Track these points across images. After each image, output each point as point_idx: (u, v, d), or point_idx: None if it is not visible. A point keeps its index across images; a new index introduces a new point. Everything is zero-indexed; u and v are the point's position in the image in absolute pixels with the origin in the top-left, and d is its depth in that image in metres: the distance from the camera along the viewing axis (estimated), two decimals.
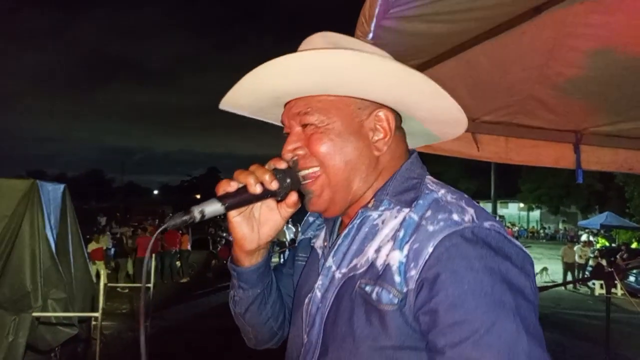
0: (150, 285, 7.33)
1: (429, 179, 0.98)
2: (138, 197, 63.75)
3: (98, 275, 8.62)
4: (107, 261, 13.50)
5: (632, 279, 14.36)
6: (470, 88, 2.65)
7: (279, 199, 0.98)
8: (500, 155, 3.09)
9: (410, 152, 1.05)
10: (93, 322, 6.01)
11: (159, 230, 0.96)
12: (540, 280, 14.99)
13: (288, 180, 0.96)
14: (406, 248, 0.86)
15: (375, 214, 0.96)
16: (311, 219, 1.21)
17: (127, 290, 11.71)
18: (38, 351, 5.06)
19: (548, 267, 16.32)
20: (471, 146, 2.99)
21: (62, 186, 6.24)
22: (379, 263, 0.89)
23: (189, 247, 15.51)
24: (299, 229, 1.24)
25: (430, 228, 0.85)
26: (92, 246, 12.15)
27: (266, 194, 0.94)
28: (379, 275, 0.88)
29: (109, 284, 9.34)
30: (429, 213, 0.89)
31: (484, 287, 0.78)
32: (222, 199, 0.91)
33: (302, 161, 0.98)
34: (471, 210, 0.88)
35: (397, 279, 0.85)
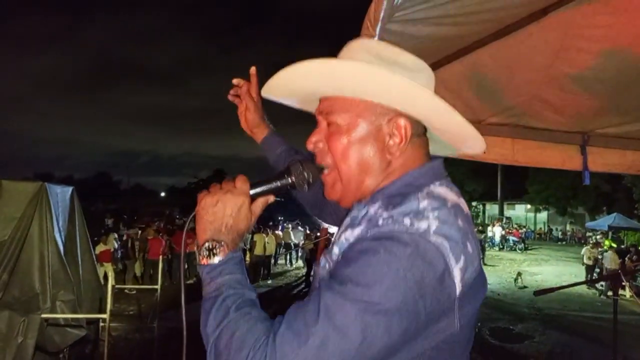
0: (158, 287, 7.36)
1: (431, 190, 0.96)
2: (145, 199, 63.82)
3: (106, 277, 8.67)
4: (115, 263, 13.55)
5: None
6: (476, 90, 2.65)
7: (301, 189, 1.08)
8: (506, 156, 3.08)
9: (430, 161, 1.07)
10: (101, 324, 6.05)
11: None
12: (514, 287, 14.93)
13: (305, 174, 1.06)
14: (356, 230, 0.96)
15: (363, 211, 1.01)
16: None
17: (134, 292, 11.75)
18: (47, 352, 5.10)
19: (522, 273, 16.30)
20: None
21: (70, 188, 6.29)
22: (333, 242, 1.03)
23: (195, 249, 15.49)
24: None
25: (380, 221, 0.91)
26: (100, 248, 12.19)
27: (286, 185, 1.07)
28: (329, 251, 1.02)
29: (117, 286, 9.39)
30: (396, 211, 0.92)
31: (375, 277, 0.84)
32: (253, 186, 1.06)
33: (319, 155, 1.07)
34: (432, 223, 0.88)
35: (336, 250, 0.99)
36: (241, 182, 1.05)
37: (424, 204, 0.92)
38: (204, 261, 1.01)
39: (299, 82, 1.06)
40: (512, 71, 2.57)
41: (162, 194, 76.83)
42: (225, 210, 1.02)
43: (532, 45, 2.35)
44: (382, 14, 1.37)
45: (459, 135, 1.05)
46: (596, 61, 2.45)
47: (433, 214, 0.90)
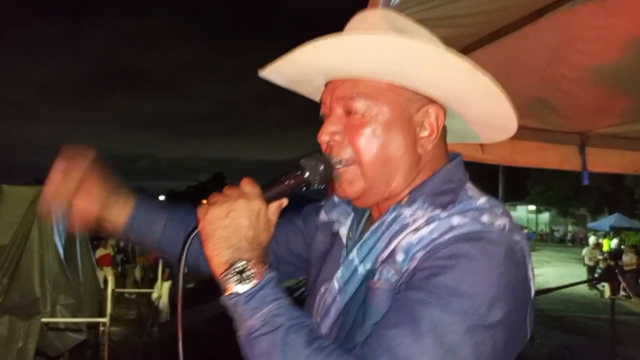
0: (155, 291, 7.35)
1: (469, 186, 0.92)
2: None
3: (106, 281, 8.67)
4: (115, 267, 13.55)
5: None
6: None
7: (316, 186, 0.93)
8: (505, 157, 3.08)
9: (454, 155, 0.98)
10: (101, 328, 6.04)
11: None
12: None
13: (321, 167, 0.91)
14: (421, 233, 0.83)
15: (408, 212, 0.88)
16: (336, 199, 1.08)
17: (134, 296, 11.75)
18: (47, 357, 5.10)
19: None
20: (476, 149, 2.99)
21: None
22: (393, 249, 0.86)
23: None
24: (323, 207, 1.11)
25: (455, 221, 0.81)
26: (100, 252, 12.19)
27: (300, 183, 0.91)
28: (387, 257, 0.85)
29: (117, 290, 9.39)
30: (459, 210, 0.84)
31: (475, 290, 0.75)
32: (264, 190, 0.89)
33: (336, 148, 0.91)
34: (505, 220, 0.82)
35: (401, 257, 0.83)
36: (247, 185, 0.87)
37: (482, 200, 0.85)
38: (234, 289, 0.80)
39: (328, 57, 0.88)
40: (509, 73, 2.57)
41: (162, 197, 76.83)
42: (241, 220, 0.83)
43: (528, 46, 2.35)
44: None
45: (495, 117, 0.95)
46: (593, 62, 2.45)
47: (499, 210, 0.83)
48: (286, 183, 0.91)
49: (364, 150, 0.89)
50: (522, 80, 2.63)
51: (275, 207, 0.90)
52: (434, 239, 0.80)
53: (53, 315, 5.15)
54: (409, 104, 0.89)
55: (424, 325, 0.72)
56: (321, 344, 0.75)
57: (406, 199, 0.90)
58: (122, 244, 15.11)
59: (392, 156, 0.89)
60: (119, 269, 14.58)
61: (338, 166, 0.91)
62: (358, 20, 0.93)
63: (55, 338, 5.21)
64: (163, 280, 9.66)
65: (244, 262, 0.80)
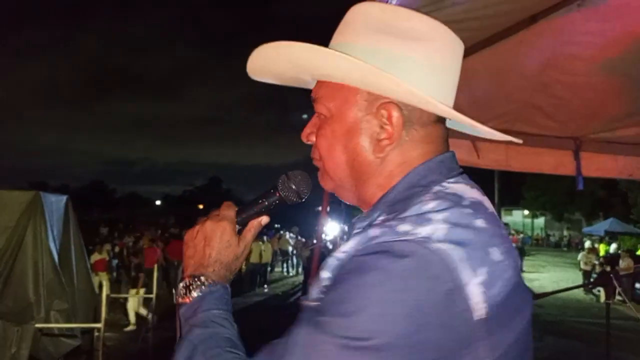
0: (153, 296, 7.32)
1: (441, 189, 0.79)
2: (140, 207, 63.63)
3: (101, 286, 8.63)
4: (110, 272, 13.49)
5: (638, 285, 14.28)
6: (469, 96, 2.67)
7: (294, 201, 0.97)
8: (500, 162, 3.10)
9: (439, 154, 0.86)
10: (95, 333, 6.01)
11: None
12: None
13: (293, 185, 0.95)
14: (346, 247, 0.75)
15: (362, 224, 0.84)
16: None
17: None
18: None
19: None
20: (471, 154, 3.00)
21: (64, 197, 6.28)
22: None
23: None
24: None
25: (372, 233, 0.72)
26: (95, 257, 12.14)
27: (274, 201, 0.97)
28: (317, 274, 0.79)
29: (112, 295, 9.34)
30: (387, 219, 0.76)
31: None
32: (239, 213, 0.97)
33: (312, 148, 0.92)
34: (435, 227, 0.69)
35: (324, 274, 0.75)
36: (224, 208, 0.96)
37: (429, 205, 0.73)
38: (180, 300, 0.89)
39: (276, 67, 0.90)
40: (503, 78, 2.59)
41: (158, 202, 76.69)
42: (204, 241, 0.92)
43: (522, 52, 2.37)
44: None
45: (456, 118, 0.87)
46: (587, 67, 2.47)
47: (440, 216, 0.71)
48: (260, 202, 0.97)
49: (323, 151, 0.88)
50: (516, 85, 2.65)
51: (253, 226, 0.97)
52: (352, 254, 0.71)
53: (47, 320, 5.12)
54: (364, 104, 0.84)
55: (295, 341, 0.67)
56: (217, 352, 0.78)
57: (370, 209, 0.85)
58: (117, 249, 15.08)
59: (350, 159, 0.85)
60: (114, 274, 14.50)
61: (316, 163, 0.93)
62: (355, 12, 0.88)
63: (49, 344, 5.18)
64: (137, 286, 9.71)
65: (195, 278, 0.89)
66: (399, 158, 0.84)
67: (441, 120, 0.87)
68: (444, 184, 0.80)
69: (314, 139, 0.90)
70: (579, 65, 2.46)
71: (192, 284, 0.88)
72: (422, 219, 0.70)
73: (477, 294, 0.66)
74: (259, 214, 0.97)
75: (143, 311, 9.54)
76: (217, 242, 0.92)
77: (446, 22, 1.89)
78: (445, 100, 0.84)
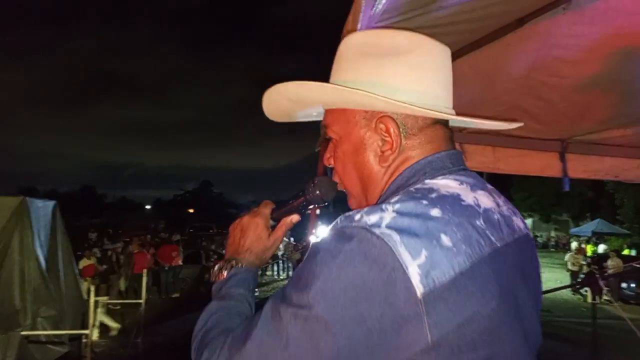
0: (142, 301, 7.25)
1: (420, 186, 0.86)
2: (131, 212, 63.00)
3: (89, 292, 8.53)
4: (98, 277, 13.35)
5: (624, 285, 14.44)
6: (457, 99, 2.68)
7: (318, 204, 1.11)
8: (488, 165, 3.12)
9: (438, 152, 0.93)
10: (84, 340, 5.94)
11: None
12: None
13: (318, 191, 1.07)
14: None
15: None
16: None
17: (118, 307, 11.57)
18: None
19: None
20: None
21: (52, 203, 6.21)
22: None
23: (180, 262, 15.38)
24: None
25: (336, 220, 0.83)
26: (84, 262, 12.00)
27: (302, 203, 1.10)
28: None
29: (101, 301, 9.23)
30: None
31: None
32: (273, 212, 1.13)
33: (333, 173, 1.04)
34: (382, 215, 0.77)
35: None
36: (262, 206, 1.14)
37: (393, 199, 0.81)
38: (213, 279, 1.09)
39: (283, 106, 1.03)
40: (491, 80, 2.61)
41: (148, 207, 76.07)
42: (240, 232, 1.11)
43: (509, 55, 2.39)
44: (359, 25, 1.38)
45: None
46: (573, 70, 2.50)
47: (393, 207, 0.78)
48: (290, 203, 1.12)
49: (340, 171, 1.01)
50: (503, 88, 2.67)
51: (284, 223, 1.12)
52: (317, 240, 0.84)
53: (34, 327, 5.06)
54: (364, 122, 0.94)
55: (265, 310, 0.81)
56: (225, 318, 0.94)
57: None
58: (110, 253, 14.93)
59: (361, 173, 0.96)
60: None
61: (340, 187, 1.05)
62: (343, 44, 1.00)
63: (36, 351, 5.11)
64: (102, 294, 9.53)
65: (227, 262, 1.08)
66: (397, 164, 0.93)
67: (440, 121, 0.95)
68: (426, 181, 0.87)
69: (332, 161, 1.02)
70: (565, 68, 2.48)
71: (224, 266, 1.07)
72: (375, 209, 0.79)
73: (415, 275, 0.72)
74: (290, 213, 1.12)
75: (108, 321, 9.32)
76: (251, 235, 1.09)
77: (434, 26, 1.92)
78: (436, 102, 0.92)
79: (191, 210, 60.26)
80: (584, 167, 3.22)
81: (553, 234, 45.92)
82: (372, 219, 0.76)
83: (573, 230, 31.93)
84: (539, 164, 3.18)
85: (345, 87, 0.90)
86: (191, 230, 36.09)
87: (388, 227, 0.75)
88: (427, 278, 0.72)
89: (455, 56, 2.34)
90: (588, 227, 27.47)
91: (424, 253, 0.73)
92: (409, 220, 0.76)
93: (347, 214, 0.81)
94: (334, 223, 0.82)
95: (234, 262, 1.07)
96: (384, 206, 0.79)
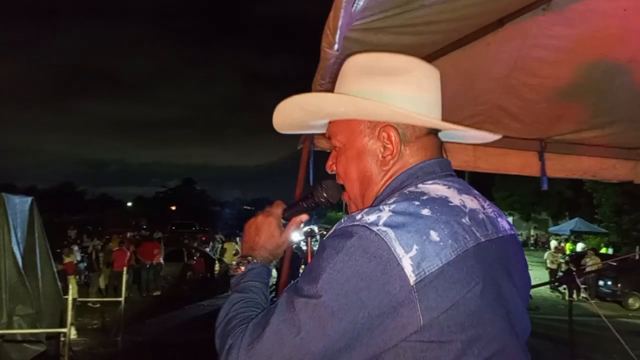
0: (122, 299, 7.17)
1: (412, 189, 0.97)
2: (112, 209, 62.16)
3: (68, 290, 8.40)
4: (78, 275, 13.15)
5: (601, 283, 14.72)
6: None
7: (325, 206, 1.22)
8: (469, 163, 3.14)
9: (431, 159, 1.05)
10: (62, 338, 5.85)
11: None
12: None
13: (325, 194, 1.18)
14: None
15: None
16: None
17: (98, 305, 11.42)
18: None
19: None
20: None
21: (29, 199, 6.09)
22: None
23: (161, 260, 15.23)
24: None
25: (341, 220, 0.95)
26: (63, 260, 11.82)
27: (311, 204, 1.22)
28: None
29: (80, 299, 9.10)
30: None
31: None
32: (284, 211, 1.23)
33: (337, 176, 1.15)
34: (380, 215, 0.88)
35: None
36: (274, 206, 1.24)
37: (390, 201, 0.93)
38: (232, 272, 1.21)
39: (293, 117, 1.15)
40: (472, 80, 2.63)
41: (130, 204, 75.10)
42: (254, 231, 1.21)
43: (490, 55, 2.41)
44: (340, 22, 1.37)
45: (445, 129, 1.09)
46: (552, 70, 2.53)
47: (388, 207, 0.90)
48: (299, 204, 1.23)
49: (342, 175, 1.12)
50: (484, 88, 2.70)
51: (294, 222, 1.23)
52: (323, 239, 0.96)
53: (10, 326, 4.95)
54: (368, 131, 1.06)
55: (281, 300, 0.91)
56: (244, 308, 1.03)
57: None
58: (90, 249, 14.71)
59: (362, 176, 1.07)
60: (83, 277, 14.15)
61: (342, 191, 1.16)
62: (347, 64, 1.12)
63: (12, 350, 5.02)
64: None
65: (244, 258, 1.19)
66: (395, 169, 1.05)
67: (433, 132, 1.08)
68: (419, 185, 0.99)
69: (335, 168, 1.13)
70: (544, 68, 2.52)
71: (241, 262, 1.18)
72: (374, 209, 0.90)
73: (408, 266, 0.83)
74: (300, 213, 1.23)
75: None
76: (264, 233, 1.20)
77: (415, 24, 1.92)
78: (430, 115, 1.06)
79: (173, 208, 59.66)
80: (562, 167, 3.27)
81: (533, 232, 46.61)
82: (371, 217, 0.88)
83: (552, 228, 32.40)
84: (519, 163, 3.22)
85: (359, 97, 1.03)
86: (173, 227, 35.77)
87: (385, 224, 0.86)
88: (418, 268, 0.83)
89: (437, 55, 2.36)
90: (567, 225, 27.89)
91: (415, 247, 0.84)
92: (402, 219, 0.87)
93: (350, 215, 0.93)
94: (338, 222, 0.94)
95: (250, 258, 1.18)
96: (381, 207, 0.91)
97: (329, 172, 1.16)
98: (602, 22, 2.19)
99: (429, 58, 2.36)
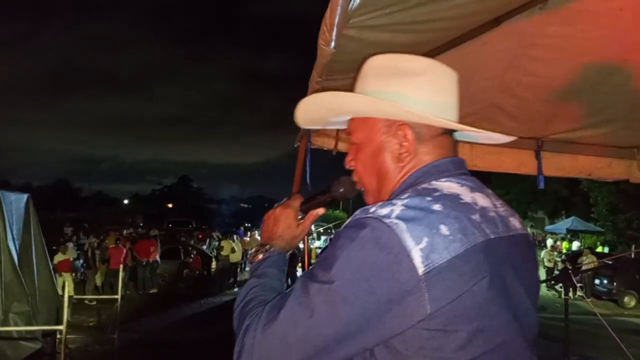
0: (118, 296, 7.16)
1: (426, 186, 1.01)
2: (107, 206, 61.92)
3: (64, 287, 8.38)
4: (75, 273, 13.13)
5: (597, 281, 14.80)
6: None
7: (342, 200, 1.28)
8: (466, 161, 3.15)
9: (444, 158, 1.10)
10: (58, 336, 5.84)
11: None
12: None
13: (342, 189, 1.25)
14: None
15: None
16: None
17: (94, 303, 11.41)
18: None
19: None
20: None
21: (25, 196, 6.07)
22: None
23: (157, 258, 15.21)
24: None
25: (356, 212, 0.99)
26: (59, 257, 11.79)
27: (327, 198, 1.28)
28: None
29: (76, 296, 9.08)
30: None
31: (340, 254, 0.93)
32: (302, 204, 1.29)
33: (354, 172, 1.20)
34: (393, 208, 0.93)
35: None
36: (293, 199, 1.30)
37: (404, 196, 0.97)
38: (250, 259, 1.27)
39: (317, 113, 1.21)
40: (468, 79, 2.62)
41: (126, 201, 74.87)
42: (273, 221, 1.27)
43: (486, 53, 2.41)
44: (336, 20, 1.38)
45: (459, 129, 1.14)
46: (548, 69, 2.54)
47: (401, 202, 0.94)
48: (317, 198, 1.29)
49: (359, 171, 1.16)
50: (480, 86, 2.70)
51: (311, 214, 1.30)
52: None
53: (5, 323, 4.95)
54: (385, 129, 1.10)
55: (297, 284, 0.96)
56: (261, 292, 1.09)
57: None
58: (86, 247, 14.67)
59: (379, 173, 1.12)
60: (79, 274, 14.13)
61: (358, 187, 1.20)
62: (368, 64, 1.17)
63: (7, 347, 5.00)
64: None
65: (262, 247, 1.24)
66: (411, 166, 1.09)
67: (448, 132, 1.13)
68: (433, 182, 1.02)
69: (353, 164, 1.18)
70: (540, 68, 2.52)
71: (260, 250, 1.24)
72: (387, 203, 0.94)
73: (417, 257, 0.87)
74: (317, 207, 1.29)
75: None
76: (282, 224, 1.25)
77: (412, 22, 1.92)
78: (444, 116, 1.10)
79: (170, 206, 59.53)
80: (558, 165, 3.29)
81: (529, 231, 46.78)
82: (384, 211, 0.92)
83: (548, 227, 32.50)
84: (515, 162, 3.23)
85: (377, 98, 1.08)
86: (170, 225, 35.71)
87: (397, 217, 0.90)
88: (427, 259, 0.87)
89: (433, 53, 2.36)
90: (563, 224, 28.01)
91: (425, 239, 0.88)
92: (414, 213, 0.91)
93: (364, 207, 0.97)
94: (353, 214, 0.98)
95: (268, 247, 1.24)
96: (394, 201, 0.95)
97: (347, 168, 1.21)
98: (598, 22, 2.19)
99: (426, 56, 2.36)
